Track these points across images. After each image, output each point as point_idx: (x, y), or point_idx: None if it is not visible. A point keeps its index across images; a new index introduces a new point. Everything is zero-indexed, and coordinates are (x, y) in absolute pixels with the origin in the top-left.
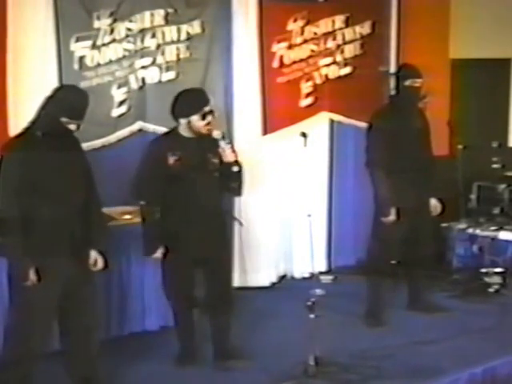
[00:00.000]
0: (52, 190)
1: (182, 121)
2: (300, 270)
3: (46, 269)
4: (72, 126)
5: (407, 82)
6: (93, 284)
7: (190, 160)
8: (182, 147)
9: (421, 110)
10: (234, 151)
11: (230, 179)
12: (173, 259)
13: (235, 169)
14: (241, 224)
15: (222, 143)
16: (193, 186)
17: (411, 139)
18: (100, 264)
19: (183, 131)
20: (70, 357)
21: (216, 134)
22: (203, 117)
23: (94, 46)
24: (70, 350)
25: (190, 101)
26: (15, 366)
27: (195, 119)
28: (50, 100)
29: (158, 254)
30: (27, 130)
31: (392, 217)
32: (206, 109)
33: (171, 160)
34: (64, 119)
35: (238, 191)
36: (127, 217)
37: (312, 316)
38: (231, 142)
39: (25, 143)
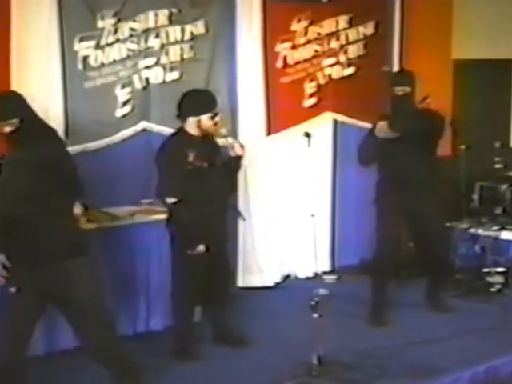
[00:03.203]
0: (35, 195)
1: (191, 119)
2: (303, 270)
3: (26, 274)
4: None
5: (393, 89)
6: (94, 284)
7: (203, 156)
8: (194, 145)
9: (423, 112)
10: (242, 146)
11: (229, 176)
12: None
13: (243, 162)
14: (243, 219)
15: (230, 139)
16: (206, 182)
17: (402, 142)
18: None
19: (191, 130)
20: (94, 353)
21: (223, 131)
22: (212, 117)
23: (97, 46)
24: (89, 348)
25: (200, 100)
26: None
27: (205, 118)
28: None
29: (202, 247)
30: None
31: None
32: (215, 110)
33: (191, 156)
34: None
35: (232, 188)
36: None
37: (315, 315)
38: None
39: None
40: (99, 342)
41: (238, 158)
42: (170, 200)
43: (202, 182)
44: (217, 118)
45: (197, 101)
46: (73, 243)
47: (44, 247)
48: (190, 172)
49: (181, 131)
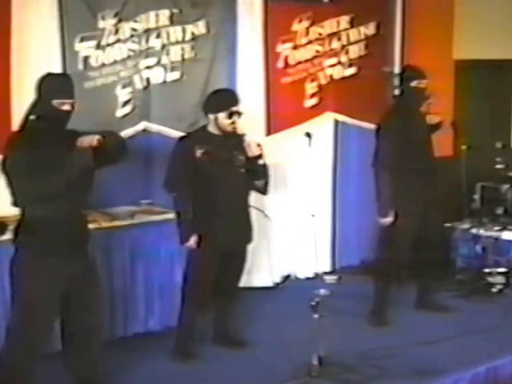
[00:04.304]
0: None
1: (210, 117)
2: (304, 270)
3: (48, 267)
4: (66, 107)
5: (413, 83)
6: (96, 284)
7: (217, 155)
8: (208, 142)
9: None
10: (259, 145)
11: (256, 176)
12: (201, 250)
13: (261, 162)
14: (268, 218)
15: (247, 138)
16: (219, 180)
17: (419, 140)
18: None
19: (211, 128)
20: (72, 357)
21: (241, 130)
22: (230, 116)
23: (98, 46)
24: (71, 350)
25: (219, 99)
26: (16, 365)
27: (222, 117)
28: (37, 92)
29: (192, 242)
30: (26, 126)
31: (390, 219)
32: (233, 109)
33: (198, 153)
34: (55, 101)
35: (263, 189)
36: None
37: (316, 316)
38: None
39: (25, 141)
40: (88, 347)
41: (256, 158)
42: (174, 194)
43: (213, 180)
44: (234, 118)
45: (216, 99)
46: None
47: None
48: (197, 168)
49: (202, 129)
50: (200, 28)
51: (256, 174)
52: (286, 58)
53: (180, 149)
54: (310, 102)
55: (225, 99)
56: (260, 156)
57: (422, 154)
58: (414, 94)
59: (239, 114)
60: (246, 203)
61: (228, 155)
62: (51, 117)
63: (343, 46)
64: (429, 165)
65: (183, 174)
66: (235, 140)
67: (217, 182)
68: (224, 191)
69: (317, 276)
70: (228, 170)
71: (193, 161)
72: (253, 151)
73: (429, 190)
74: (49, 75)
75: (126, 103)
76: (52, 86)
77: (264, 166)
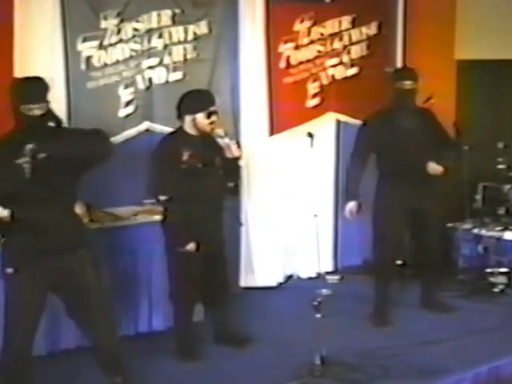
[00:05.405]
0: (41, 190)
1: (188, 118)
2: (306, 270)
3: (29, 270)
4: (36, 112)
5: (397, 84)
6: (97, 282)
7: (199, 156)
8: (190, 144)
9: (424, 111)
10: (239, 147)
11: (231, 178)
12: (183, 252)
13: (241, 163)
14: (240, 224)
15: (227, 139)
16: (200, 182)
17: (403, 141)
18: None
19: (188, 129)
20: (93, 353)
21: (220, 131)
22: (208, 115)
23: (100, 46)
24: (91, 347)
25: (197, 99)
26: (8, 365)
27: (200, 117)
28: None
29: (191, 245)
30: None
31: (352, 205)
32: (212, 108)
33: (185, 155)
34: (23, 107)
35: (234, 191)
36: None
37: (318, 316)
38: (235, 139)
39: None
40: (99, 332)
41: (235, 160)
42: (162, 197)
43: (196, 182)
44: (213, 117)
45: (193, 99)
46: (76, 235)
47: (48, 238)
48: (182, 171)
49: (179, 130)
50: (202, 28)
51: (232, 176)
52: (287, 58)
53: (165, 151)
54: (312, 102)
55: (202, 99)
56: (240, 157)
57: (408, 154)
58: (398, 94)
59: (217, 113)
60: (221, 204)
61: (207, 156)
62: (23, 123)
63: (345, 46)
64: (420, 165)
65: (172, 176)
66: (210, 141)
67: (198, 183)
68: (204, 192)
69: (319, 276)
70: (208, 172)
71: (179, 163)
72: (233, 152)
73: (417, 191)
74: (16, 80)
75: (128, 103)
76: (19, 91)
77: (236, 171)
